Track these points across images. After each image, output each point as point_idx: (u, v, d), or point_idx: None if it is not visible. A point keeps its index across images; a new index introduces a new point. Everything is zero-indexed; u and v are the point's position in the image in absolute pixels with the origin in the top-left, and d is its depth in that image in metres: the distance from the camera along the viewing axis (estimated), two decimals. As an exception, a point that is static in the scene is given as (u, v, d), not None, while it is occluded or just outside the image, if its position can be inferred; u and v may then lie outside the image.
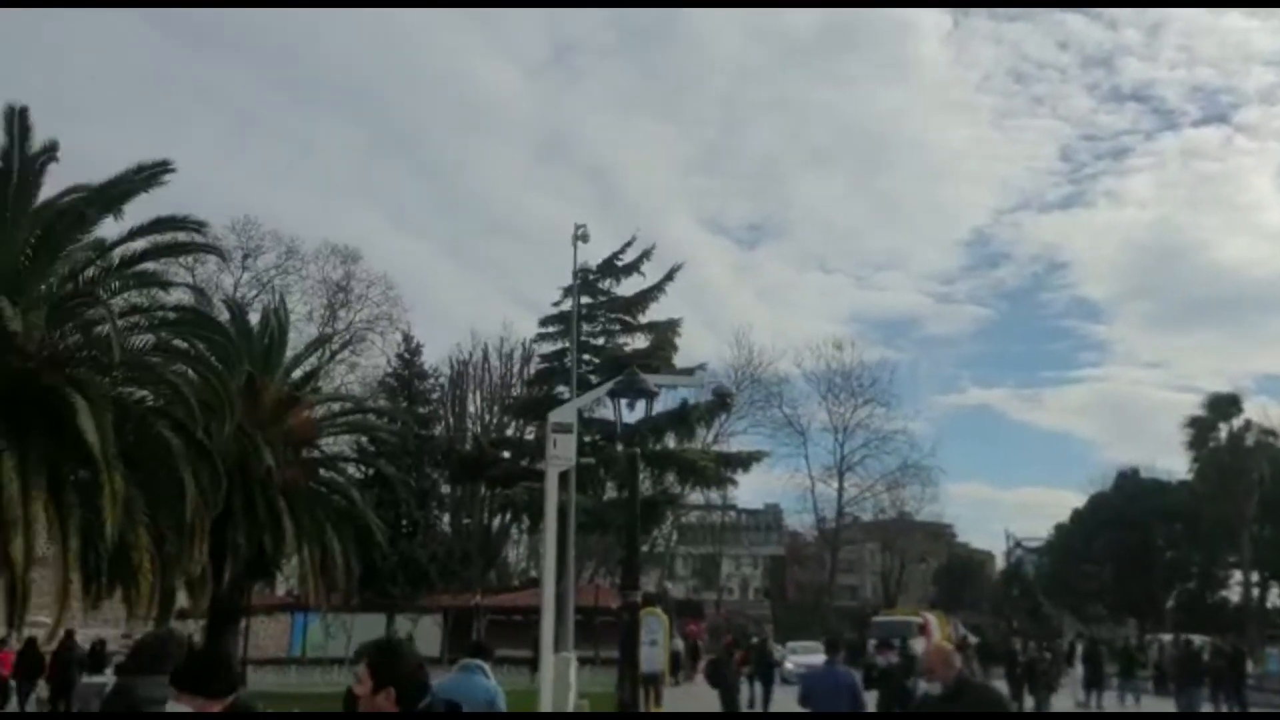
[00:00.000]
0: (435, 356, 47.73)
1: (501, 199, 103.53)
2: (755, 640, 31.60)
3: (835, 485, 67.03)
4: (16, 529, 14.74)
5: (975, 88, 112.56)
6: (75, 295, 17.59)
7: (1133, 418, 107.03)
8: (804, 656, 32.79)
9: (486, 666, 8.09)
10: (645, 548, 48.42)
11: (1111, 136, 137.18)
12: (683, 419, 39.77)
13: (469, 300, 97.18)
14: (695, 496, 51.40)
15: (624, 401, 14.93)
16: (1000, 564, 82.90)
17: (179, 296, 27.59)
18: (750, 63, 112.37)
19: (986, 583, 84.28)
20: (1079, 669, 29.12)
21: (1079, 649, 32.03)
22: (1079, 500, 70.13)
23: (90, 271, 18.21)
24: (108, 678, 25.92)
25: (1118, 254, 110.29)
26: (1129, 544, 62.03)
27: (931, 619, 41.07)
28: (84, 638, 36.09)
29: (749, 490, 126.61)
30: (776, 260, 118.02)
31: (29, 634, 24.75)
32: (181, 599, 19.29)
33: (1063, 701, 28.13)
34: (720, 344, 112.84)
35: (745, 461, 42.13)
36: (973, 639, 41.25)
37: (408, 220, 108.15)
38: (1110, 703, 28.82)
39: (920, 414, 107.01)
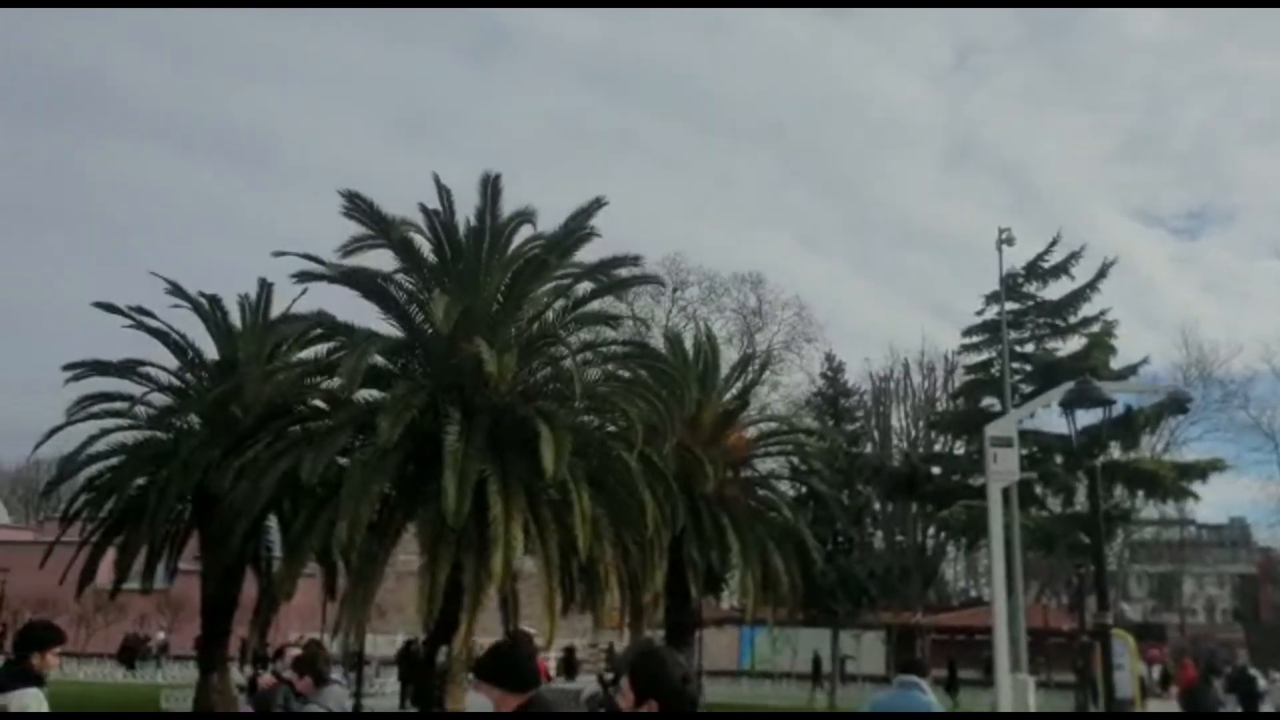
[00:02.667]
0: (852, 373, 47.83)
1: (911, 210, 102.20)
2: (1234, 665, 28.63)
3: (1316, 495, 59.35)
4: (499, 546, 16.40)
5: None
6: (540, 336, 19.53)
7: None
8: None
9: (924, 683, 8.11)
10: (1095, 566, 45.34)
11: None
12: (1127, 426, 36.85)
13: (882, 315, 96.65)
14: (1148, 511, 47.61)
15: (1061, 411, 14.24)
16: None
17: (623, 331, 29.77)
18: (1174, 39, 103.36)
19: None
20: None
21: None
22: None
23: (550, 314, 20.16)
24: (579, 683, 28.36)
25: None
26: None
27: None
28: (556, 647, 39.44)
29: (1210, 503, 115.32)
30: (1223, 248, 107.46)
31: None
32: (646, 611, 20.57)
33: None
34: (1162, 342, 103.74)
35: (1204, 471, 38.20)
36: None
37: (818, 240, 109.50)
38: None
39: None
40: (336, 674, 9.66)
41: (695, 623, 26.73)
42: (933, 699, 8.02)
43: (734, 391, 29.45)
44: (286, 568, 18.25)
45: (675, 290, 53.30)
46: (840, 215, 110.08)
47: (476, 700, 4.27)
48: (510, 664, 4.14)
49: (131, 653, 45.26)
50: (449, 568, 16.54)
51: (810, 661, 39.00)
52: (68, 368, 23.45)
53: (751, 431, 29.70)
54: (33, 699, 5.75)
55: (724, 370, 30.34)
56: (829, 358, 39.75)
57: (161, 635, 50.20)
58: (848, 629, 37.34)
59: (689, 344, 29.87)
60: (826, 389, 38.88)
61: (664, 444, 19.59)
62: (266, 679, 9.02)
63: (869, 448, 46.42)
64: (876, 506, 43.06)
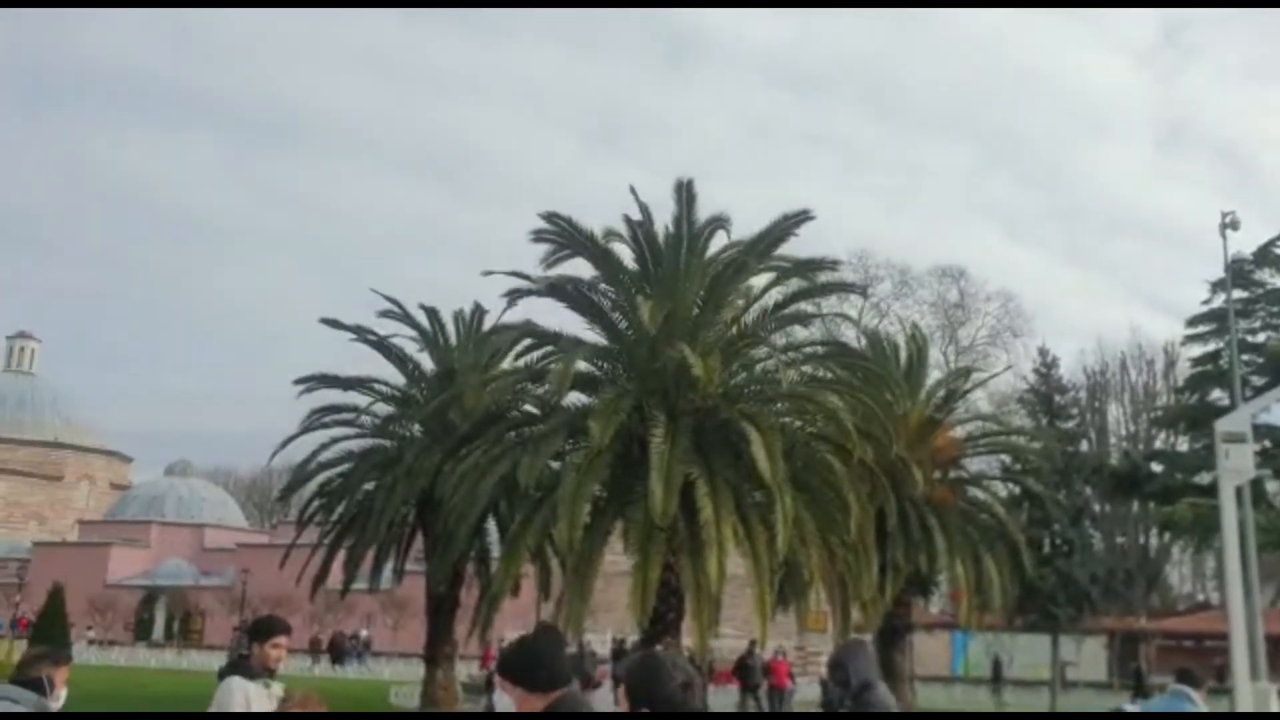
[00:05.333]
0: (1063, 367, 45.84)
1: (1120, 195, 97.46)
2: None
3: None
4: (712, 548, 16.60)
5: None
6: (740, 338, 19.67)
7: None
8: None
9: (1195, 694, 7.95)
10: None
11: None
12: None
13: (1091, 305, 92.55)
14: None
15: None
16: None
17: (816, 331, 29.46)
18: None
19: None
20: None
21: None
22: None
23: (749, 317, 20.25)
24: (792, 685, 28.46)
25: None
26: None
27: None
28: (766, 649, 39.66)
29: None
30: None
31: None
32: (854, 614, 20.41)
33: None
34: None
35: None
36: None
37: (1020, 231, 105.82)
38: None
39: None
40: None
41: (906, 626, 26.23)
42: (1203, 708, 7.93)
43: (941, 393, 28.76)
44: (505, 567, 19.00)
45: (865, 287, 52.50)
46: (1044, 203, 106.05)
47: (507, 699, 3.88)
48: (534, 660, 3.74)
49: (338, 649, 48.50)
50: (659, 567, 16.87)
51: (993, 665, 37.84)
52: (299, 382, 25.19)
53: (959, 431, 28.97)
54: (237, 688, 5.75)
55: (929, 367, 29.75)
56: (1042, 353, 38.07)
57: (365, 633, 53.20)
58: (1068, 634, 35.85)
59: (886, 342, 29.39)
60: (1040, 385, 37.33)
61: (886, 447, 19.44)
62: (502, 678, 9.39)
63: (1085, 445, 44.44)
64: (1096, 507, 41.18)
